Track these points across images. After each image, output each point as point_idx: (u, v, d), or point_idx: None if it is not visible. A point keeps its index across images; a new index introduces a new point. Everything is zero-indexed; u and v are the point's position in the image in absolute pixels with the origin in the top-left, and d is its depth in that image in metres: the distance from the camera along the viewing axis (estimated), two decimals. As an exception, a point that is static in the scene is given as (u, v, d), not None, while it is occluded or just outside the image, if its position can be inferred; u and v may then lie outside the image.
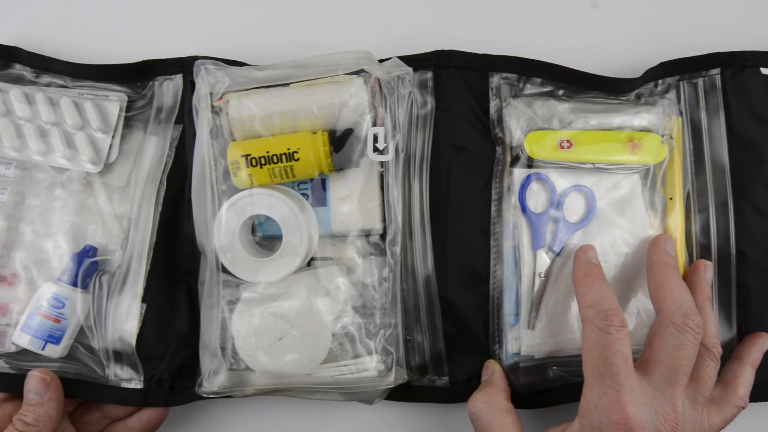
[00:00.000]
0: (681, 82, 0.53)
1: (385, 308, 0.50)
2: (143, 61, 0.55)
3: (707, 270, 0.49)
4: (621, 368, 0.41)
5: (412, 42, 0.54)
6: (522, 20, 0.58)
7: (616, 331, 0.42)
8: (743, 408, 0.47)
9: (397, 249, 0.50)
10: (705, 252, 0.51)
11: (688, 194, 0.51)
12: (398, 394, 0.52)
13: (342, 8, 0.58)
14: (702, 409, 0.44)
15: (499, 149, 0.52)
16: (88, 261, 0.51)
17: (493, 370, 0.50)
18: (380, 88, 0.50)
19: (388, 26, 0.58)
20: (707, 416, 0.45)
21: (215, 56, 0.53)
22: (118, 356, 0.51)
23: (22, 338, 0.50)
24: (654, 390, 0.42)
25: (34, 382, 0.48)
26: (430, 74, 0.52)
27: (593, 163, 0.51)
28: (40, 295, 0.50)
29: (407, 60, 0.51)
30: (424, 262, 0.51)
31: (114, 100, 0.54)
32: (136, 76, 0.55)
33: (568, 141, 0.50)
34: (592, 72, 0.52)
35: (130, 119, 0.55)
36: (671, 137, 0.51)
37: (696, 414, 0.44)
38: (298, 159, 0.48)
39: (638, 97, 0.52)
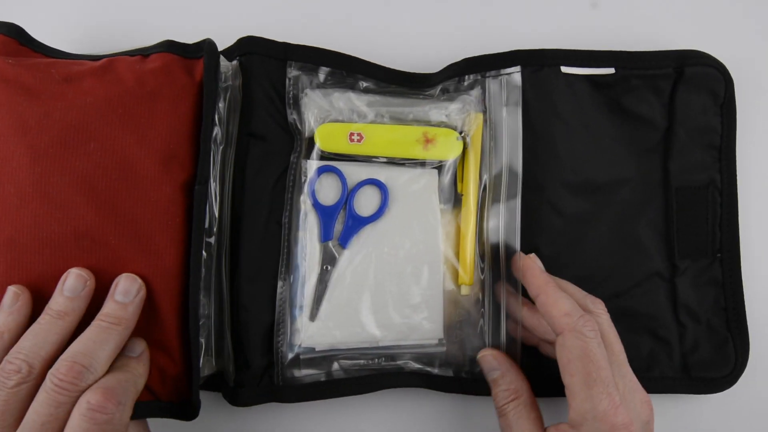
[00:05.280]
0: (486, 79, 0.52)
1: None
2: None
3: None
4: (608, 372, 0.42)
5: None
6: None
7: (595, 335, 0.43)
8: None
9: (212, 240, 0.50)
10: (495, 249, 0.50)
11: (485, 189, 0.51)
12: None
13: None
14: None
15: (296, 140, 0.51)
16: None
17: (499, 362, 0.48)
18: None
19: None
20: None
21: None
22: None
23: None
24: (619, 379, 0.43)
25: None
26: (235, 63, 0.51)
27: (386, 158, 0.50)
28: None
29: (225, 52, 0.51)
30: (226, 256, 0.50)
31: None
32: None
33: (358, 134, 0.50)
34: (404, 65, 0.51)
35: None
36: (466, 134, 0.51)
37: None
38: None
39: (444, 92, 0.52)
